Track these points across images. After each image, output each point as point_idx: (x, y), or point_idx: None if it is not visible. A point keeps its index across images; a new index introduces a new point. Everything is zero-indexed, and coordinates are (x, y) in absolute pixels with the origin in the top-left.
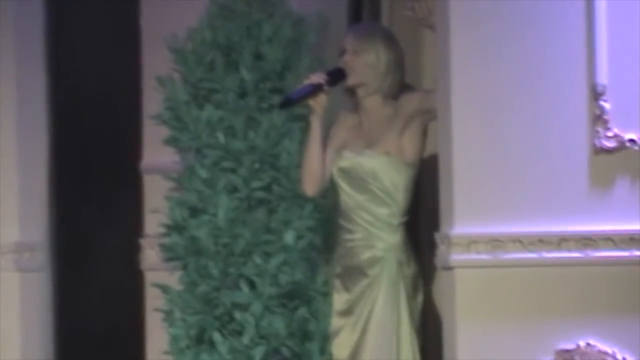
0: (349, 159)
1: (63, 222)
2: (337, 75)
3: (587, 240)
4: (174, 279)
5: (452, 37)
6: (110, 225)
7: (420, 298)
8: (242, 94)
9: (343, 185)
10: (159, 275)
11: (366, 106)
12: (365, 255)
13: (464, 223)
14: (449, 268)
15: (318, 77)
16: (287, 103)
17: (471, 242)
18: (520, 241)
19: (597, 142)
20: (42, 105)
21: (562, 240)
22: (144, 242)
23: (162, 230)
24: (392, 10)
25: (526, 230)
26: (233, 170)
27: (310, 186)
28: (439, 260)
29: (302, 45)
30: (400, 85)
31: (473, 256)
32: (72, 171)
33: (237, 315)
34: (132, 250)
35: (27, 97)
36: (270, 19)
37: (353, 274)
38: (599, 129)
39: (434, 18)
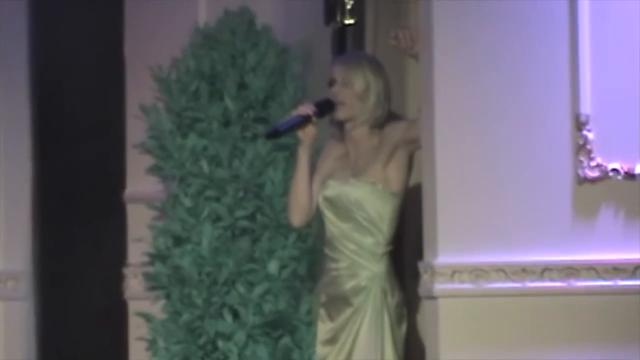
0: (334, 188)
1: (47, 250)
2: (325, 107)
3: (571, 270)
4: (157, 308)
5: (436, 65)
6: (93, 254)
7: (404, 327)
8: (226, 123)
9: (328, 214)
10: (143, 304)
11: (354, 137)
12: (350, 284)
13: (448, 252)
14: (433, 297)
15: (307, 109)
16: (275, 134)
17: (455, 272)
18: (503, 270)
19: (580, 172)
20: (25, 133)
21: (545, 270)
22: (127, 271)
23: (146, 259)
24: (376, 39)
25: (509, 259)
26: (217, 199)
27: (297, 216)
28: (422, 290)
29: (287, 74)
30: (388, 114)
31: (456, 285)
32: (55, 200)
33: (221, 344)
34: (115, 279)
35: (11, 125)
36: (254, 48)
37: (337, 302)
38: (583, 158)
39: (418, 47)
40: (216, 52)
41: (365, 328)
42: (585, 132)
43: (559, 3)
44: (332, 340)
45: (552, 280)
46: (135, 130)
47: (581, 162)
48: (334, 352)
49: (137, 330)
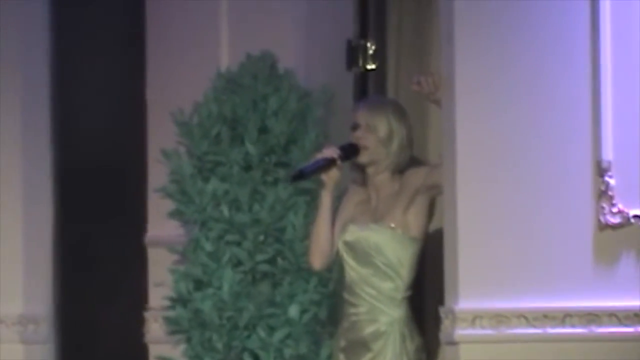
0: (353, 233)
1: (67, 294)
2: (350, 151)
3: (592, 316)
4: (178, 352)
5: (457, 109)
6: (114, 298)
7: None
8: (247, 167)
9: (347, 259)
10: (163, 348)
11: (376, 182)
12: (369, 329)
13: (469, 298)
14: (454, 343)
15: (331, 152)
16: (300, 176)
17: (476, 317)
18: (524, 316)
19: (602, 218)
20: (46, 177)
21: (566, 316)
22: (148, 314)
23: (167, 303)
24: (398, 84)
25: (530, 305)
26: (238, 244)
27: (318, 260)
28: (443, 335)
29: (308, 118)
30: (410, 160)
31: (478, 331)
32: (76, 243)
33: None
34: (136, 323)
35: (33, 171)
36: (276, 92)
37: (357, 348)
38: (604, 204)
39: (440, 93)
40: (238, 96)
41: None
42: (606, 179)
43: (580, 46)
44: None
45: (573, 326)
46: (157, 174)
47: (602, 208)
48: None
49: None
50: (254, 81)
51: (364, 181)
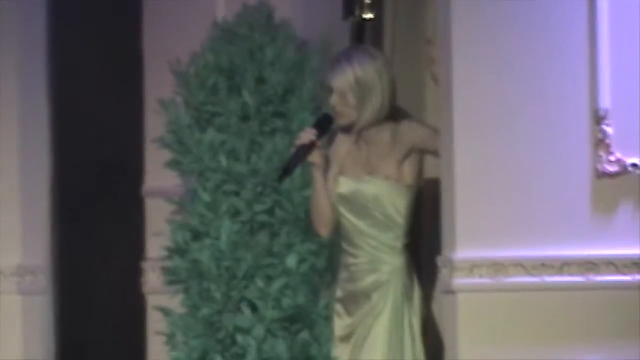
0: (348, 186)
1: (65, 245)
2: (325, 124)
3: (590, 265)
4: (176, 303)
5: (454, 62)
6: (112, 249)
7: (421, 319)
8: (245, 118)
9: (343, 212)
10: (162, 299)
11: (364, 135)
12: (370, 279)
13: (467, 247)
14: (452, 292)
15: (308, 135)
16: (286, 173)
17: (474, 267)
18: (522, 266)
19: (599, 167)
20: (43, 129)
21: (564, 265)
22: (146, 265)
23: (165, 253)
24: (395, 33)
25: (528, 254)
26: (236, 194)
27: (325, 228)
28: (441, 284)
29: (305, 69)
30: (394, 104)
31: (476, 280)
32: (74, 194)
33: (240, 339)
34: (134, 274)
35: (29, 121)
36: (273, 42)
37: (357, 298)
38: (602, 153)
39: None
40: (235, 47)
41: (385, 323)
42: (604, 127)
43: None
44: (348, 337)
45: (571, 275)
46: (154, 125)
47: (600, 157)
48: (349, 348)
49: (156, 324)
50: (250, 31)
51: (350, 128)
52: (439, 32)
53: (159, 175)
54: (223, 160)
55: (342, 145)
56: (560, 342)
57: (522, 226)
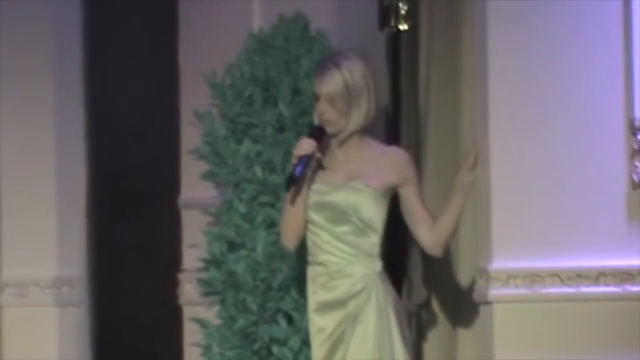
0: (327, 194)
1: (101, 257)
2: (321, 135)
3: (625, 275)
4: (212, 314)
5: (490, 69)
6: (148, 260)
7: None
8: (280, 129)
9: (317, 219)
10: (197, 310)
11: (344, 145)
12: (344, 287)
13: (502, 258)
14: (488, 302)
15: (309, 146)
16: (293, 182)
17: (509, 277)
18: (558, 276)
19: (635, 177)
20: (80, 141)
21: (600, 275)
22: (182, 276)
23: (201, 264)
24: (430, 45)
25: (564, 264)
26: (271, 205)
27: (294, 240)
28: (477, 295)
29: None
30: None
31: (511, 291)
32: (110, 206)
33: (275, 349)
34: (170, 285)
35: (66, 134)
36: (308, 53)
37: (331, 307)
38: (637, 163)
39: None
40: (270, 58)
41: (368, 330)
42: (639, 137)
43: (613, 7)
44: (332, 348)
45: (607, 285)
46: (190, 136)
47: (636, 166)
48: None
49: (192, 335)
50: (286, 42)
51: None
52: (475, 40)
53: (195, 187)
54: (258, 171)
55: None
56: (596, 352)
57: (557, 236)
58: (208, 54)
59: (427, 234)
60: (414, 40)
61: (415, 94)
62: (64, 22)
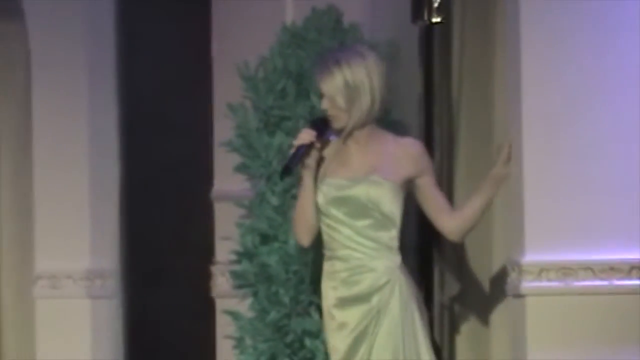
0: (346, 188)
1: (134, 249)
2: (323, 126)
3: None
4: (244, 306)
5: (523, 63)
6: (181, 253)
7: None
8: None
9: (336, 214)
10: (230, 302)
11: (355, 136)
12: (367, 281)
13: (535, 251)
14: (520, 296)
15: (308, 136)
16: (287, 172)
17: (542, 270)
18: (591, 269)
19: None
20: (113, 133)
21: (633, 268)
22: (214, 269)
23: (233, 257)
24: (463, 37)
25: (597, 257)
26: None
27: (307, 237)
28: (509, 288)
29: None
30: (386, 102)
31: (544, 284)
32: (143, 199)
33: (308, 342)
34: (202, 277)
35: (99, 127)
36: (341, 47)
37: (353, 303)
38: None
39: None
40: (303, 51)
41: (393, 322)
42: None
43: None
44: (356, 341)
45: (639, 278)
46: (223, 128)
47: None
48: (357, 357)
49: (224, 328)
50: (319, 35)
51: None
52: (508, 34)
53: (228, 179)
54: None
55: (327, 149)
56: (627, 346)
57: (590, 229)
58: (241, 46)
59: (447, 221)
60: (447, 33)
61: (448, 87)
62: (97, 15)
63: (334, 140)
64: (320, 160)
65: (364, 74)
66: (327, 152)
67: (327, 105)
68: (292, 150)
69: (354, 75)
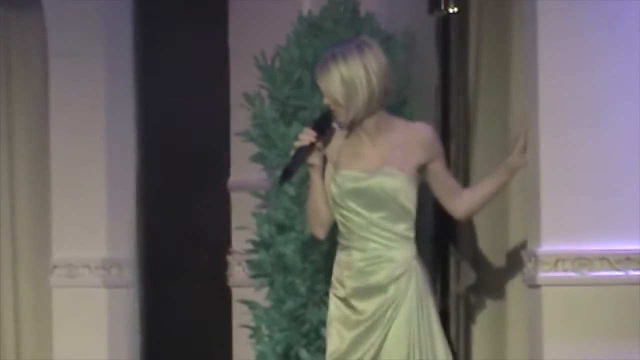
0: (362, 180)
1: (150, 238)
2: (324, 124)
3: None
4: (260, 296)
5: (540, 56)
6: (197, 242)
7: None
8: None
9: (353, 206)
10: (246, 292)
11: (364, 126)
12: (384, 272)
13: (551, 241)
14: (536, 286)
15: (308, 137)
16: (287, 175)
17: (558, 260)
18: (607, 259)
19: None
20: (129, 124)
21: None
22: (231, 258)
23: (249, 247)
24: (480, 27)
25: (613, 248)
26: None
27: (322, 229)
28: (525, 278)
29: (390, 63)
30: (389, 90)
31: (560, 274)
32: (159, 188)
33: (324, 332)
34: (219, 267)
35: (116, 117)
36: (357, 36)
37: (368, 293)
38: None
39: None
40: (319, 41)
41: (409, 313)
42: None
43: None
44: (366, 332)
45: None
46: (239, 118)
47: None
48: (368, 343)
49: (240, 317)
50: (335, 25)
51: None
52: (525, 25)
53: (244, 169)
54: None
55: (335, 141)
56: None
57: (606, 220)
58: (257, 36)
59: (458, 202)
60: (464, 24)
61: (465, 77)
62: (115, 7)
63: (337, 128)
64: (330, 151)
65: (360, 68)
66: (336, 142)
67: (328, 102)
68: (292, 152)
69: (349, 70)
